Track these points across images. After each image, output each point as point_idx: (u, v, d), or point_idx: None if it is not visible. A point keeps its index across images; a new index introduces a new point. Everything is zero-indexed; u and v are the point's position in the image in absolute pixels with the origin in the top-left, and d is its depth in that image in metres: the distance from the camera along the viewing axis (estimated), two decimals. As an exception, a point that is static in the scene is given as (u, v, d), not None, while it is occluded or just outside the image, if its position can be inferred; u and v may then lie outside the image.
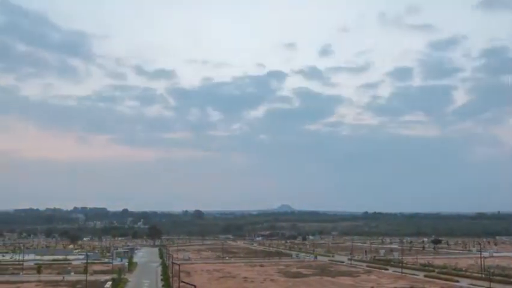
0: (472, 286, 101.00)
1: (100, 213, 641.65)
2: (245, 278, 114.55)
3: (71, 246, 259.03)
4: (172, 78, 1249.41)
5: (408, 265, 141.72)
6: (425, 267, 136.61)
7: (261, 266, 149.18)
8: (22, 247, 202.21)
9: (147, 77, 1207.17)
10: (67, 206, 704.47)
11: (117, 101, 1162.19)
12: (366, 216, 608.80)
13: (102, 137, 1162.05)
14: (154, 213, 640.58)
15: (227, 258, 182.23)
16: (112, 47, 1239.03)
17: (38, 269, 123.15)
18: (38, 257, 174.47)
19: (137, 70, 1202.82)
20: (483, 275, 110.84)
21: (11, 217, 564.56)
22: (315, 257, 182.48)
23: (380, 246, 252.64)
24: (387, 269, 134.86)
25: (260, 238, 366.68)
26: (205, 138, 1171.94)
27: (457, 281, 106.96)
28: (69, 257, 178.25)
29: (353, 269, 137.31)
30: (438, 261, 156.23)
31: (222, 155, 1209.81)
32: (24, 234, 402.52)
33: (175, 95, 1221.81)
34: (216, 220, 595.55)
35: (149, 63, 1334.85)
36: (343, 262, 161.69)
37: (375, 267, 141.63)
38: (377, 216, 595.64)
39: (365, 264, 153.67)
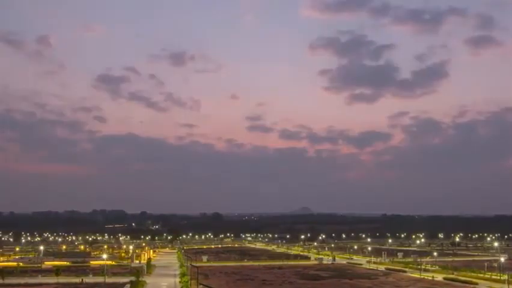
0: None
1: (119, 216, 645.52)
2: (263, 280, 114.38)
3: (90, 248, 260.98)
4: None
5: (427, 267, 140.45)
6: (444, 270, 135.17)
7: (280, 268, 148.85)
8: (41, 250, 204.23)
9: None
10: (86, 208, 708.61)
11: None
12: (385, 218, 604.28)
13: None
14: (173, 216, 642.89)
15: (245, 260, 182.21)
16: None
17: (57, 271, 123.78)
18: (57, 260, 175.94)
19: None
20: (501, 277, 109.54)
21: (29, 219, 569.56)
22: (334, 259, 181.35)
23: (398, 248, 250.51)
24: (405, 272, 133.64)
25: (279, 240, 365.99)
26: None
27: (476, 284, 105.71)
28: (87, 260, 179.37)
29: (372, 272, 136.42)
30: (457, 263, 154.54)
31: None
32: (43, 236, 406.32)
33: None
34: (234, 222, 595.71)
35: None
36: (361, 264, 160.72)
37: (393, 270, 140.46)
38: (395, 218, 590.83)
39: (383, 266, 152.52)
